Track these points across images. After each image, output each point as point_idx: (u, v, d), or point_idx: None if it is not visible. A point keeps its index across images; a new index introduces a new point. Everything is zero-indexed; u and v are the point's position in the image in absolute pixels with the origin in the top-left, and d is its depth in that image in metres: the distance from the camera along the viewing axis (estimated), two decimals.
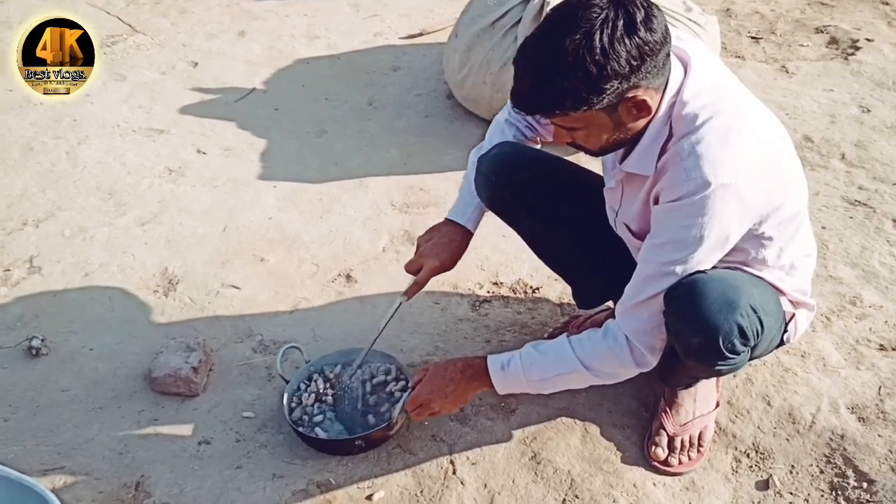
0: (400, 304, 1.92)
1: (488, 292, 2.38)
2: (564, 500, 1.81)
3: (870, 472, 1.83)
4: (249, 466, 1.88)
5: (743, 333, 1.55)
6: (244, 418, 2.00)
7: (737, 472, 1.87)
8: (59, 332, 2.25)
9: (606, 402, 2.01)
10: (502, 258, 2.49)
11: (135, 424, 1.99)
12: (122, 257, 2.52)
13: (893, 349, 2.14)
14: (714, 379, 1.95)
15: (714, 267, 1.56)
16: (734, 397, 2.02)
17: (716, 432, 1.94)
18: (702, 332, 1.54)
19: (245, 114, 3.26)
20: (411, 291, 1.91)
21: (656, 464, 1.87)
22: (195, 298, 2.36)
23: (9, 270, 2.46)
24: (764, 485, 1.83)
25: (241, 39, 3.81)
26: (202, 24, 3.94)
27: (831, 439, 1.91)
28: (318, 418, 1.93)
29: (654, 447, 1.88)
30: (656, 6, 1.40)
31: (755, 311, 1.56)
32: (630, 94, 1.42)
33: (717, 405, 1.96)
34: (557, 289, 2.36)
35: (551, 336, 2.15)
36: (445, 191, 2.77)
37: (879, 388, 2.04)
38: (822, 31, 3.76)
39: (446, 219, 1.93)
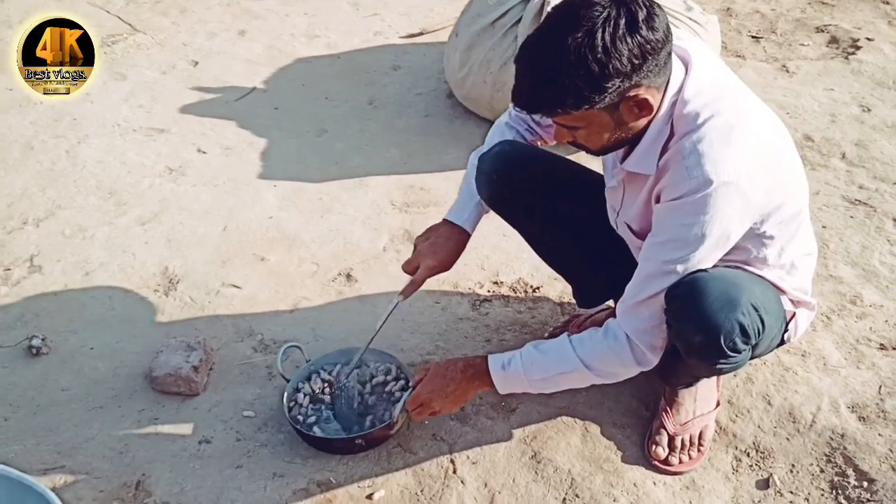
0: (397, 303, 1.92)
1: (489, 291, 2.38)
2: (565, 499, 1.81)
3: (870, 471, 1.83)
4: (250, 465, 1.88)
5: (744, 332, 1.55)
6: (244, 417, 2.00)
7: (737, 471, 1.87)
8: (60, 331, 2.25)
9: (607, 401, 2.01)
10: (503, 257, 2.48)
11: (135, 423, 1.99)
12: (122, 256, 2.52)
13: (894, 348, 2.14)
14: (714, 378, 1.95)
15: (715, 266, 1.56)
16: (734, 396, 2.02)
17: (716, 431, 1.94)
18: (703, 330, 1.54)
19: (245, 113, 3.26)
20: (408, 291, 1.91)
21: (657, 463, 1.87)
22: (195, 298, 2.36)
23: (9, 269, 2.46)
24: (764, 484, 1.83)
25: (241, 38, 3.81)
26: (202, 23, 3.94)
27: (832, 438, 1.91)
28: (312, 419, 1.93)
29: (654, 446, 1.88)
30: (658, 5, 1.40)
31: (756, 310, 1.56)
32: (632, 93, 1.42)
33: (718, 404, 1.96)
34: (558, 288, 2.36)
35: (552, 335, 2.15)
36: (446, 190, 2.77)
37: (880, 387, 2.04)
38: (823, 31, 3.76)
39: (444, 219, 1.93)
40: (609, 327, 1.64)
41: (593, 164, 1.94)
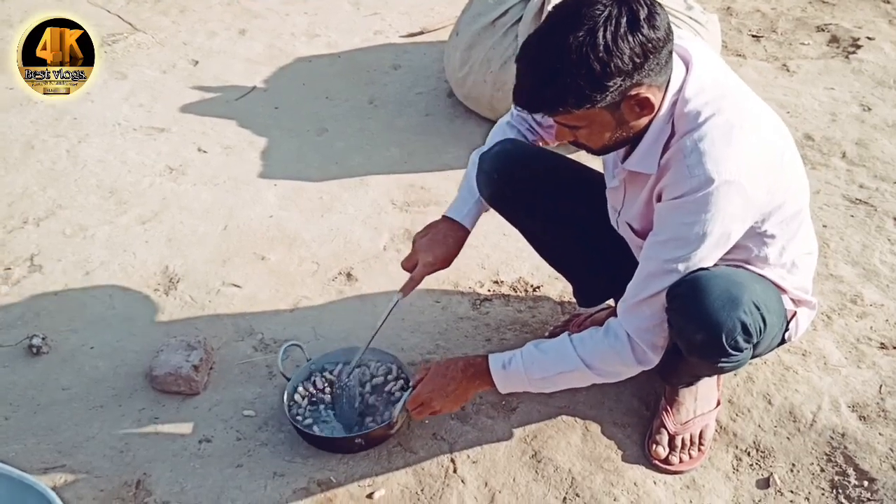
0: (397, 301, 1.92)
1: (489, 291, 2.38)
2: (565, 498, 1.81)
3: (870, 470, 1.83)
4: (250, 465, 1.88)
5: (746, 330, 1.55)
6: (245, 417, 2.00)
7: (737, 470, 1.87)
8: (60, 330, 2.25)
9: (607, 400, 2.01)
10: (503, 256, 2.48)
11: (135, 423, 1.99)
12: (122, 256, 2.52)
13: (894, 347, 2.14)
14: (715, 377, 1.95)
15: (716, 264, 1.56)
16: (735, 396, 2.02)
17: (716, 431, 1.94)
18: (705, 328, 1.54)
19: (245, 112, 3.26)
20: (407, 288, 1.91)
21: (657, 462, 1.87)
22: (196, 297, 2.36)
23: (9, 269, 2.46)
24: (765, 483, 1.83)
25: (241, 38, 3.81)
26: (203, 22, 3.94)
27: (832, 438, 1.91)
28: (312, 419, 1.93)
29: (654, 445, 1.88)
30: (659, 4, 1.40)
31: (758, 308, 1.56)
32: (633, 92, 1.42)
33: (718, 404, 1.96)
34: (558, 287, 2.36)
35: (552, 335, 2.15)
36: (446, 189, 2.77)
37: (880, 386, 2.04)
38: (823, 30, 3.76)
39: (443, 216, 1.92)
40: (610, 326, 1.64)
41: (594, 163, 1.94)
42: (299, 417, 1.93)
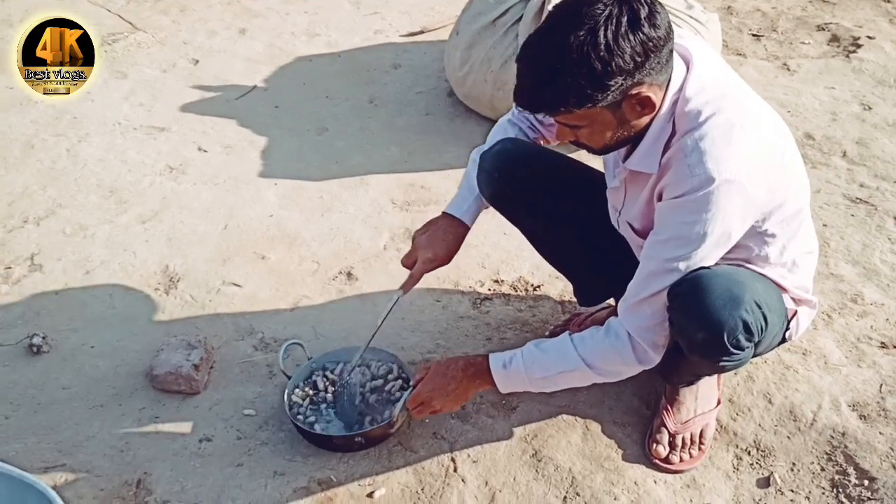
0: (397, 298, 1.92)
1: (489, 290, 2.38)
2: (565, 497, 1.81)
3: (871, 469, 1.83)
4: (250, 464, 1.88)
5: (747, 329, 1.55)
6: (245, 416, 2.00)
7: (738, 469, 1.87)
8: (60, 329, 2.25)
9: (607, 399, 2.01)
10: (503, 256, 2.48)
11: (136, 422, 1.99)
12: (122, 255, 2.52)
13: (894, 347, 2.14)
14: (715, 377, 1.95)
15: (717, 263, 1.56)
16: (735, 395, 2.01)
17: (717, 430, 1.94)
18: (706, 327, 1.54)
19: (246, 111, 3.26)
20: (407, 285, 1.91)
21: (657, 461, 1.87)
22: (196, 296, 2.36)
23: (10, 268, 2.46)
24: (765, 482, 1.83)
25: (241, 37, 3.81)
26: (203, 21, 3.94)
27: (832, 437, 1.91)
28: (313, 417, 1.93)
29: (655, 445, 1.88)
30: (659, 2, 1.40)
31: (759, 307, 1.56)
32: (634, 91, 1.42)
33: (719, 403, 1.96)
34: (558, 286, 2.36)
35: (553, 334, 2.15)
36: (446, 188, 2.77)
37: (881, 385, 2.03)
38: (824, 29, 3.76)
39: (443, 212, 1.92)
40: (611, 326, 1.64)
41: (595, 163, 1.94)
42: (300, 416, 1.93)
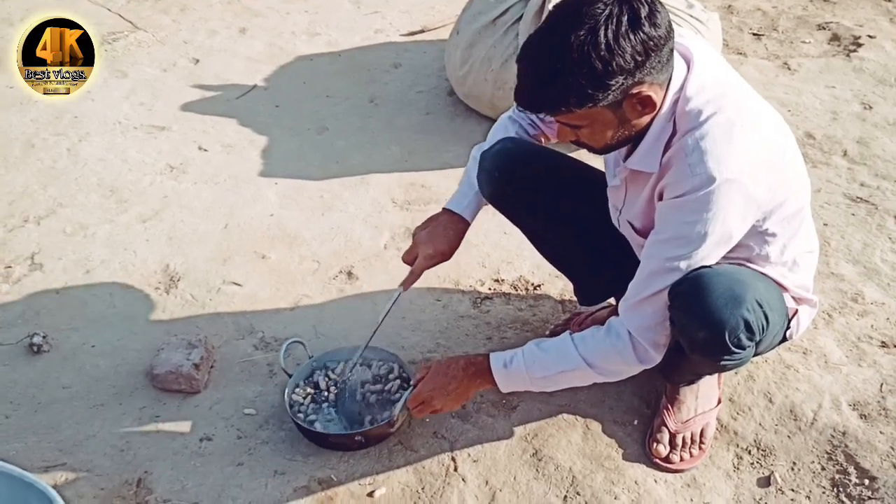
0: (398, 295, 1.92)
1: (490, 289, 2.37)
2: (566, 496, 1.81)
3: (871, 468, 1.83)
4: (251, 463, 1.88)
5: (749, 328, 1.55)
6: (245, 415, 2.00)
7: (738, 468, 1.87)
8: (61, 328, 2.25)
9: (608, 398, 2.01)
10: (504, 255, 2.48)
11: (136, 421, 1.99)
12: (123, 254, 2.52)
13: (895, 346, 2.14)
14: (716, 376, 1.95)
15: (717, 263, 1.56)
16: (736, 394, 2.01)
17: (717, 429, 1.94)
18: (708, 326, 1.54)
19: (246, 111, 3.26)
20: (408, 282, 1.91)
21: (658, 461, 1.86)
22: (196, 295, 2.36)
23: (10, 267, 2.46)
24: (765, 482, 1.83)
25: (242, 36, 3.81)
26: (203, 20, 3.94)
27: (833, 436, 1.91)
28: (313, 416, 1.93)
29: (655, 444, 1.88)
30: (659, 2, 1.40)
31: (761, 306, 1.56)
32: (635, 90, 1.42)
33: (719, 402, 1.96)
34: (559, 286, 2.36)
35: (553, 333, 2.15)
36: (447, 188, 2.76)
37: (881, 384, 2.03)
38: (824, 28, 3.76)
39: (443, 208, 1.92)
40: (611, 325, 1.64)
41: (595, 162, 1.94)
42: (300, 414, 1.93)
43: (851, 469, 1.84)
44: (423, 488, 1.83)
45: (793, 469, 1.85)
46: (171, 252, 2.52)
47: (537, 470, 1.86)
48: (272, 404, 2.02)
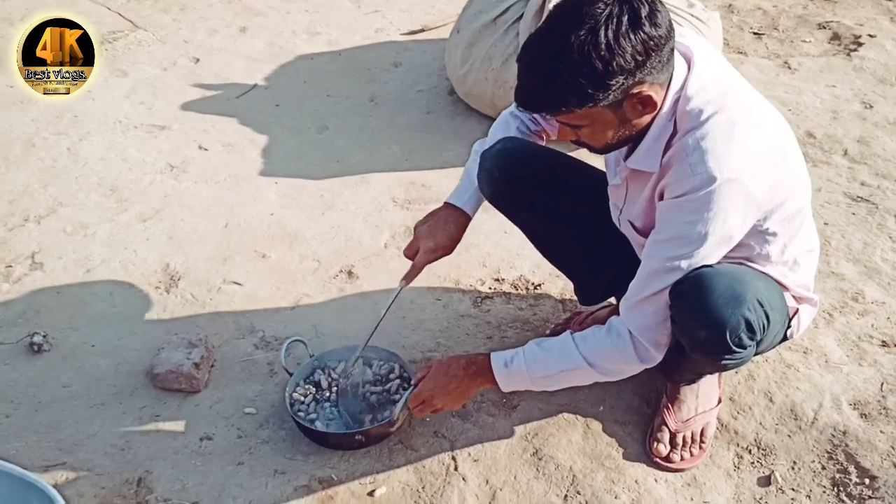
0: (400, 289, 1.92)
1: (490, 288, 2.37)
2: (566, 496, 1.81)
3: (872, 468, 1.83)
4: (251, 462, 1.88)
5: (750, 327, 1.54)
6: (246, 414, 2.00)
7: (739, 468, 1.87)
8: (61, 328, 2.25)
9: (608, 398, 2.01)
10: (504, 254, 2.48)
11: (136, 420, 1.99)
12: (123, 253, 2.52)
13: (895, 345, 2.14)
14: (716, 375, 1.95)
15: (718, 262, 1.55)
16: (736, 394, 2.01)
17: (718, 429, 1.94)
18: (709, 325, 1.54)
19: (246, 110, 3.26)
20: (410, 276, 1.91)
21: (658, 460, 1.87)
22: (197, 295, 2.36)
23: (10, 267, 2.46)
24: (766, 481, 1.83)
25: (242, 35, 3.81)
26: (203, 20, 3.94)
27: (833, 435, 1.91)
28: (314, 415, 1.93)
29: (655, 443, 1.88)
30: (660, 1, 1.40)
31: (762, 305, 1.56)
32: (635, 90, 1.41)
33: (719, 401, 1.96)
34: (559, 285, 2.36)
35: (554, 333, 2.14)
36: (447, 187, 2.76)
37: (882, 384, 2.03)
38: (825, 27, 3.76)
39: (445, 202, 1.92)
40: (612, 325, 1.64)
41: (595, 161, 1.94)
42: (301, 413, 1.93)
43: (852, 468, 1.84)
44: (423, 487, 1.83)
45: (793, 468, 1.85)
46: (172, 251, 2.52)
47: (538, 469, 1.86)
48: (272, 403, 2.02)
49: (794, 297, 1.72)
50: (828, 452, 1.88)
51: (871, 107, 3.17)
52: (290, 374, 1.99)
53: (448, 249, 1.89)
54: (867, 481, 1.81)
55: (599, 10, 1.35)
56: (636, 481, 1.84)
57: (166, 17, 3.94)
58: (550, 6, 2.72)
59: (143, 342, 2.20)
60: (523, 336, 2.18)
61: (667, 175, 1.51)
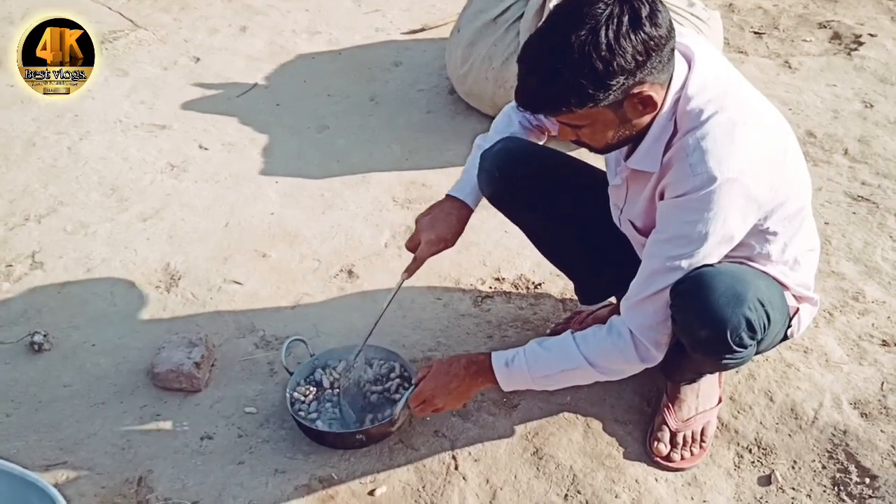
0: (402, 282, 1.91)
1: (490, 288, 2.37)
2: (566, 495, 1.81)
3: (872, 467, 1.83)
4: (252, 462, 1.88)
5: (751, 326, 1.54)
6: (246, 414, 2.00)
7: (739, 467, 1.87)
8: (62, 327, 2.25)
9: (608, 397, 2.01)
10: (504, 254, 2.48)
11: (137, 420, 1.99)
12: (124, 253, 2.52)
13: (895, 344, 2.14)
14: (716, 374, 1.95)
15: (719, 262, 1.55)
16: (736, 393, 2.01)
17: (718, 428, 1.94)
18: (709, 325, 1.54)
19: (247, 109, 3.26)
20: (411, 268, 1.91)
21: (658, 459, 1.87)
22: (197, 294, 2.36)
23: (11, 266, 2.46)
24: (766, 480, 1.83)
25: (242, 35, 3.81)
26: (204, 19, 3.93)
27: (834, 435, 1.91)
28: (315, 414, 1.93)
29: (656, 443, 1.88)
30: (661, 1, 1.40)
31: (762, 305, 1.56)
32: (636, 90, 1.41)
33: (720, 401, 1.96)
34: (559, 284, 2.36)
35: (554, 332, 2.14)
36: (447, 186, 2.70)
37: (882, 383, 2.03)
38: (826, 27, 3.76)
39: (446, 195, 1.92)
40: (613, 324, 1.64)
41: (596, 161, 1.94)
42: (302, 413, 1.93)
43: (852, 468, 1.84)
44: (423, 487, 1.83)
45: (793, 468, 1.85)
46: (172, 250, 2.52)
47: (538, 468, 1.86)
48: (273, 403, 2.02)
49: (794, 296, 1.72)
50: (828, 452, 1.88)
51: (872, 106, 3.17)
52: (291, 374, 1.99)
53: (450, 242, 1.88)
54: (867, 481, 1.81)
55: (600, 10, 1.35)
56: (636, 480, 1.84)
57: (167, 16, 3.94)
58: (551, 6, 2.72)
59: (143, 341, 2.20)
60: (524, 335, 2.18)
61: (667, 175, 1.51)
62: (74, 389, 2.08)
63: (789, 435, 1.92)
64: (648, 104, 1.45)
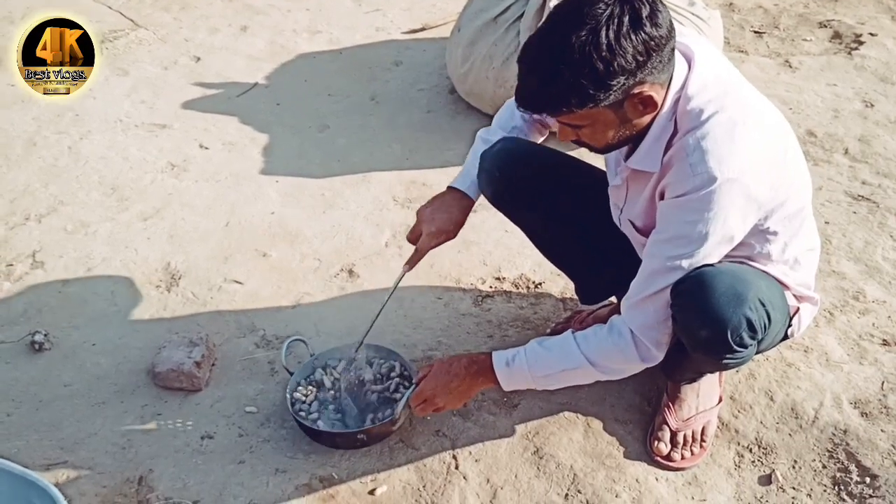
0: (403, 273, 1.91)
1: (491, 287, 2.38)
2: (567, 494, 1.81)
3: (872, 466, 1.83)
4: (252, 461, 1.88)
5: (751, 326, 1.55)
6: (247, 413, 2.00)
7: (739, 467, 1.87)
8: (62, 326, 2.25)
9: (609, 396, 2.01)
10: (505, 253, 2.48)
11: (138, 419, 1.99)
12: (124, 252, 2.52)
13: None
14: (717, 374, 1.95)
15: (719, 261, 1.55)
16: (737, 392, 2.01)
17: (718, 427, 1.94)
18: (710, 324, 1.54)
19: (247, 109, 3.26)
20: (413, 260, 1.91)
21: (659, 459, 1.87)
22: (198, 293, 2.37)
23: (11, 265, 2.47)
24: (766, 480, 1.83)
25: (243, 34, 3.81)
26: (204, 18, 3.93)
27: (834, 434, 1.91)
28: (315, 414, 1.93)
29: (656, 442, 1.88)
30: (661, 1, 1.40)
31: (763, 305, 1.56)
32: (636, 90, 1.41)
33: (720, 400, 1.96)
34: (560, 284, 2.36)
35: (554, 332, 2.15)
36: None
37: (882, 383, 2.03)
38: (826, 26, 3.75)
39: (448, 186, 1.92)
40: (613, 324, 1.64)
41: (595, 160, 1.94)
42: (302, 412, 1.93)
43: (853, 467, 1.84)
44: (424, 486, 1.83)
45: (794, 467, 1.85)
46: (173, 250, 2.53)
47: (538, 468, 1.86)
48: (273, 402, 2.02)
49: (794, 295, 1.72)
50: (828, 451, 1.88)
51: (872, 105, 3.17)
52: (291, 374, 1.99)
53: (451, 233, 1.88)
54: (868, 480, 1.81)
55: (600, 11, 1.35)
56: (637, 480, 1.84)
57: (167, 15, 3.94)
58: (551, 6, 2.72)
59: (144, 341, 2.20)
60: (524, 335, 2.19)
61: (667, 175, 1.51)
62: (75, 389, 2.08)
63: (790, 434, 1.92)
64: (649, 104, 1.45)
